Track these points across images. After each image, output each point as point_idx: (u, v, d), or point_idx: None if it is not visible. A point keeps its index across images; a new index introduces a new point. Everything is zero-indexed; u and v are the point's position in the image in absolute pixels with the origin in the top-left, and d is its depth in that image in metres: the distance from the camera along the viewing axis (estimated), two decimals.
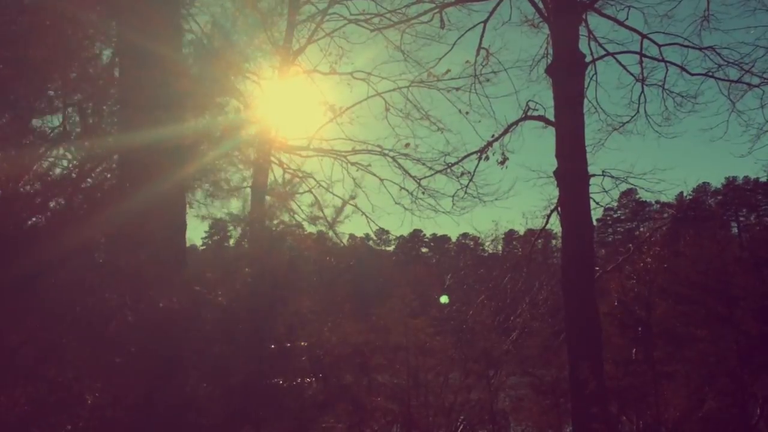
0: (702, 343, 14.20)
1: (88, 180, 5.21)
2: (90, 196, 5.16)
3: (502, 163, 16.88)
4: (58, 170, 5.17)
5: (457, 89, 16.70)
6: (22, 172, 4.85)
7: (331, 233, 15.25)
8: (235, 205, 11.32)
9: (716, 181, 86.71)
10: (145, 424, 5.56)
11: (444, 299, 12.48)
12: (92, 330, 5.31)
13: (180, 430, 5.99)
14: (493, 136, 16.83)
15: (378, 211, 25.63)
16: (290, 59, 14.78)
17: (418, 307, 14.34)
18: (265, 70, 14.65)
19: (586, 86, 15.85)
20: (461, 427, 16.17)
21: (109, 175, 5.48)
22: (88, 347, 5.33)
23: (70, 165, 5.18)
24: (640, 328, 13.89)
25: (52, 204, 4.84)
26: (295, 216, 13.80)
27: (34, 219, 4.87)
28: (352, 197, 14.73)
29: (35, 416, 5.09)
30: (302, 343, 7.94)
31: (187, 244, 8.57)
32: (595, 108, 17.47)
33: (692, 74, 16.11)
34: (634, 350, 14.10)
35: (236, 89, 8.89)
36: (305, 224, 13.54)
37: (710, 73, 15.79)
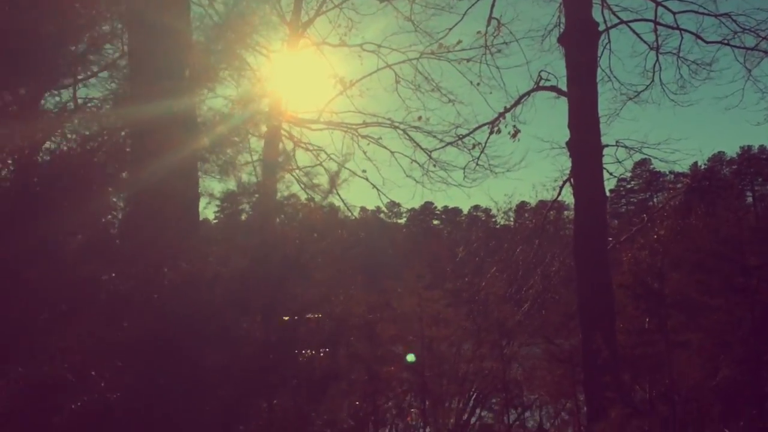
0: (716, 312, 14.16)
1: (100, 152, 5.23)
2: (101, 168, 5.19)
3: (514, 136, 16.77)
4: (68, 142, 5.20)
5: (468, 60, 16.56)
6: (35, 145, 4.87)
7: (341, 205, 15.31)
8: (246, 178, 11.31)
9: (731, 151, 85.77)
10: (151, 402, 5.61)
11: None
12: (94, 303, 5.34)
13: (191, 403, 6.06)
14: (504, 107, 16.72)
15: (389, 184, 25.67)
16: (299, 31, 14.66)
17: (431, 279, 14.39)
18: (274, 43, 14.55)
19: (599, 55, 15.66)
20: (474, 395, 16.32)
21: (120, 147, 5.49)
22: (93, 321, 5.37)
23: (82, 137, 5.21)
24: (653, 299, 13.87)
25: (63, 176, 4.87)
26: (306, 189, 13.84)
27: (46, 192, 4.91)
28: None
29: (41, 392, 5.13)
30: (315, 315, 8.01)
31: (200, 218, 8.61)
32: (609, 77, 17.35)
33: (707, 42, 15.92)
34: (647, 320, 14.08)
35: (245, 62, 8.83)
36: (314, 196, 13.58)
37: (726, 41, 15.59)
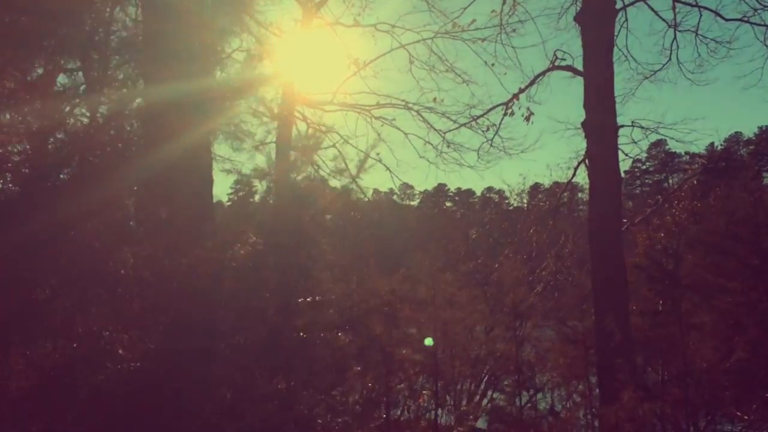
0: (731, 294, 14.06)
1: (113, 133, 5.23)
2: (115, 149, 5.20)
3: (527, 119, 16.62)
4: (82, 124, 5.20)
5: (483, 40, 16.37)
6: (48, 127, 4.89)
7: (355, 188, 15.31)
8: (259, 160, 11.31)
9: (749, 131, 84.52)
10: (172, 374, 5.70)
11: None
12: (114, 283, 5.42)
13: (208, 379, 6.14)
14: (519, 88, 16.56)
15: (402, 166, 25.53)
16: (312, 11, 14.55)
17: (444, 261, 14.39)
18: (288, 23, 14.47)
19: (616, 34, 15.42)
20: (486, 377, 16.37)
21: (133, 129, 5.49)
22: (112, 300, 5.44)
23: (96, 119, 5.21)
24: (667, 280, 13.79)
25: (78, 158, 4.88)
26: (320, 171, 13.82)
27: (62, 174, 4.93)
28: (373, 146, 14.71)
29: (67, 367, 5.24)
30: (330, 297, 8.04)
31: (214, 200, 8.64)
32: (626, 56, 17.09)
33: (727, 19, 15.61)
34: (661, 302, 14.01)
35: (260, 42, 8.79)
36: (329, 179, 13.59)
37: (746, 18, 15.32)
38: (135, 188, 5.88)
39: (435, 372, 12.70)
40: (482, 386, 16.50)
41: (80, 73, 5.65)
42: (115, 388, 5.32)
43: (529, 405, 15.85)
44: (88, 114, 5.16)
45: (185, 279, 5.48)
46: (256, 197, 10.18)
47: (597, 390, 14.16)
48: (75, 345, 5.19)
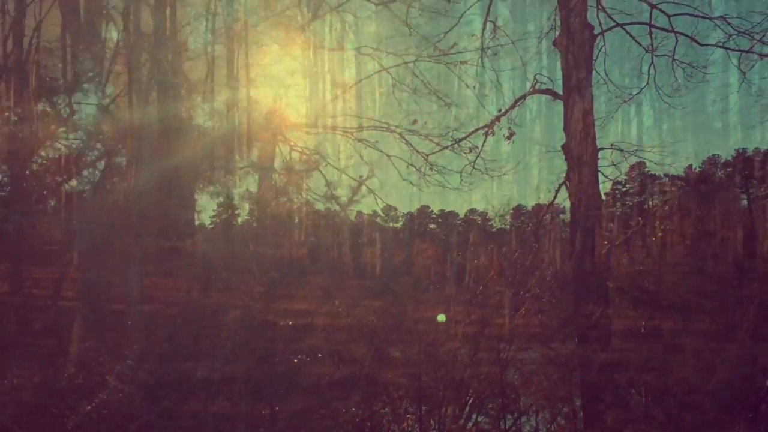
0: (712, 315, 14.19)
1: (99, 159, 5.22)
2: (100, 174, 5.17)
3: (509, 138, 16.83)
4: (68, 149, 5.18)
5: (464, 63, 16.61)
6: (33, 151, 4.86)
7: (339, 210, 15.34)
8: (242, 182, 11.30)
9: (726, 153, 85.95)
10: (157, 403, 5.62)
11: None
12: (104, 311, 5.37)
13: (192, 408, 6.06)
14: (499, 110, 16.79)
15: (386, 188, 25.60)
16: (296, 34, 14.66)
17: (427, 282, 14.39)
18: (271, 47, 14.56)
19: (594, 58, 15.70)
20: (471, 401, 16.25)
21: (119, 155, 5.48)
22: (102, 328, 5.39)
23: (81, 144, 5.19)
24: (649, 301, 13.91)
25: (62, 181, 4.86)
26: (304, 194, 13.82)
27: (45, 194, 4.89)
28: (369, 176, 14.79)
29: (55, 396, 5.14)
30: (315, 320, 7.98)
31: (196, 222, 8.62)
32: (605, 80, 17.36)
33: (702, 45, 15.97)
34: (643, 323, 14.10)
35: (242, 67, 8.83)
36: (316, 203, 13.60)
37: (721, 44, 15.67)
38: (117, 209, 5.86)
39: (419, 395, 12.61)
40: (467, 409, 16.37)
41: (64, 97, 5.64)
42: (104, 417, 5.22)
43: (513, 428, 15.76)
44: (72, 137, 5.15)
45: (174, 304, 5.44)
46: (239, 220, 10.16)
47: (581, 412, 14.14)
48: (65, 372, 5.10)
